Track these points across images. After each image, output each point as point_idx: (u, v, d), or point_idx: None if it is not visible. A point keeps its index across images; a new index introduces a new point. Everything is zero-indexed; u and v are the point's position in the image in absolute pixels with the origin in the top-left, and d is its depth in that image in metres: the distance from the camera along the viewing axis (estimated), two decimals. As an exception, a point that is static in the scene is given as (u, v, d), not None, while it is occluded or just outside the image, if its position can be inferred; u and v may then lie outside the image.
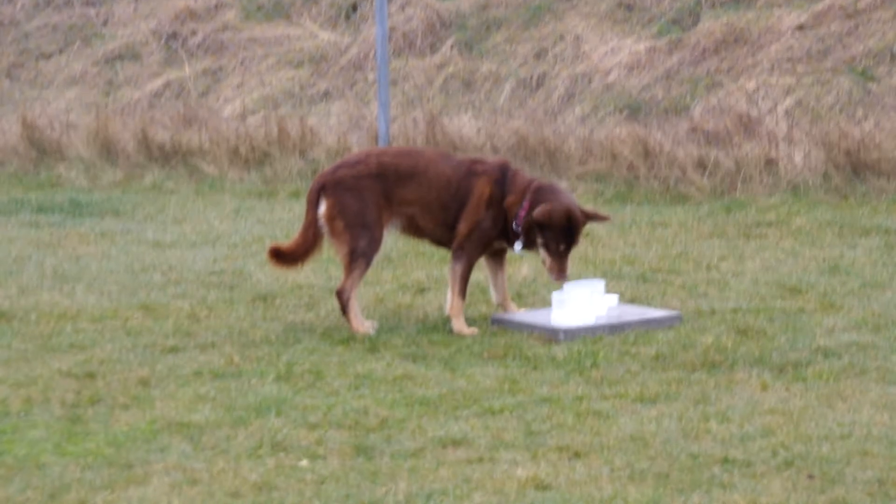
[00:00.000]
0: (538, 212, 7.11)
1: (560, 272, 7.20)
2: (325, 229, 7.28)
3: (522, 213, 7.20)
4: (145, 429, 5.89)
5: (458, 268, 7.28)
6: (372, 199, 7.23)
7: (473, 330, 7.22)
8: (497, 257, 7.50)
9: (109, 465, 5.47)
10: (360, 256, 7.23)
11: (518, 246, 7.29)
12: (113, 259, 9.07)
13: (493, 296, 7.52)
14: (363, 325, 7.25)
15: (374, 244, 7.25)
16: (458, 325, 7.25)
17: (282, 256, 7.35)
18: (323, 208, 7.27)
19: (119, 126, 12.50)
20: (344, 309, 7.25)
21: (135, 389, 6.40)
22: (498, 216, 7.28)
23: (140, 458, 5.55)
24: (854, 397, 6.22)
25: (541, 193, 7.21)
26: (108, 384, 6.47)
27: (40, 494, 5.18)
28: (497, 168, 7.36)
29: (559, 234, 7.14)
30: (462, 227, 7.28)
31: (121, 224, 10.23)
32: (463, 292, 7.27)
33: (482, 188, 7.27)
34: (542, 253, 7.22)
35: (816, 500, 5.10)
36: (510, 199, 7.26)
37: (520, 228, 7.22)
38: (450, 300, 7.29)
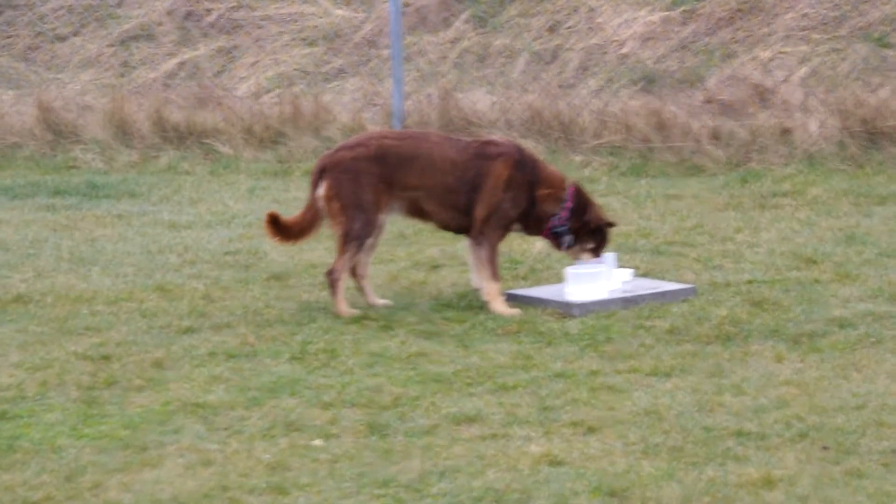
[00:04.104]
0: (608, 221, 7.49)
1: None
2: (323, 210, 7.30)
3: (565, 213, 7.34)
4: (160, 410, 5.91)
5: (484, 253, 7.28)
6: (369, 182, 7.22)
7: (515, 310, 7.19)
8: None
9: (124, 447, 5.50)
10: (353, 239, 7.25)
11: (568, 241, 7.44)
12: (129, 241, 9.09)
13: (474, 280, 7.48)
14: (346, 308, 7.24)
15: (369, 227, 7.26)
16: (499, 307, 7.22)
17: (279, 227, 7.36)
18: (322, 189, 7.29)
19: (134, 107, 12.50)
20: (332, 289, 7.26)
21: (150, 371, 6.43)
22: (518, 198, 7.29)
23: (154, 439, 5.57)
24: (869, 368, 6.20)
25: (582, 196, 7.46)
26: (123, 366, 6.50)
27: (56, 478, 5.22)
28: (515, 150, 7.37)
29: (606, 240, 7.51)
30: (479, 211, 7.27)
31: (136, 206, 10.26)
32: (495, 275, 7.28)
33: (500, 170, 7.27)
34: (586, 255, 7.46)
35: (831, 472, 5.09)
36: (544, 192, 7.32)
37: (563, 227, 7.36)
38: (485, 286, 7.28)
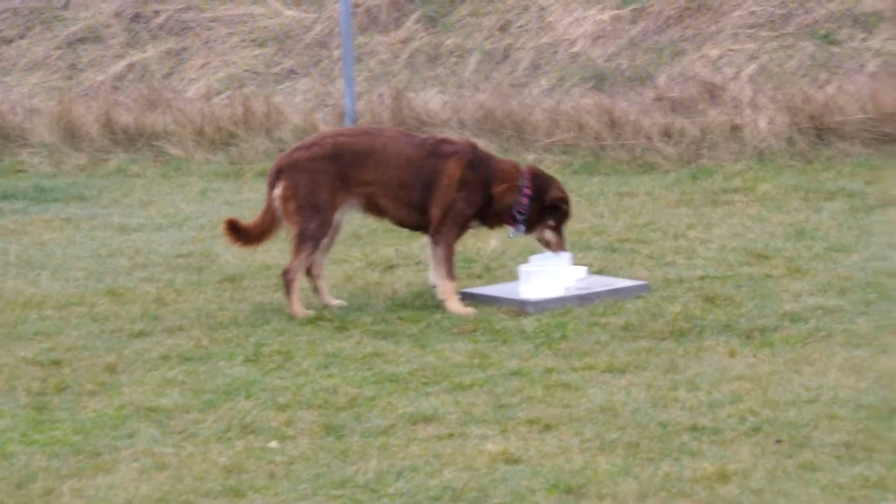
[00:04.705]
0: (561, 196, 7.42)
1: (564, 247, 7.56)
2: (279, 210, 7.29)
3: (525, 200, 7.33)
4: (113, 415, 5.87)
5: (440, 251, 7.29)
6: (325, 182, 7.23)
7: (470, 309, 7.19)
8: None
9: (76, 452, 5.45)
10: (308, 239, 7.25)
11: (520, 229, 7.43)
12: (78, 245, 9.02)
13: (431, 277, 7.48)
14: (301, 309, 7.22)
15: (325, 227, 7.26)
16: (454, 306, 7.22)
17: (239, 232, 7.36)
18: (278, 190, 7.29)
19: (82, 110, 12.40)
20: (287, 290, 7.25)
21: (102, 376, 6.37)
22: (472, 197, 7.30)
23: (107, 444, 5.53)
24: (821, 361, 6.25)
25: (538, 178, 7.45)
26: (74, 371, 6.44)
27: (6, 484, 5.16)
28: (469, 149, 7.38)
29: (567, 215, 7.49)
30: (435, 211, 7.28)
31: (86, 209, 10.18)
32: (451, 274, 7.28)
33: (453, 170, 7.28)
34: (550, 234, 7.48)
35: (784, 465, 5.13)
36: (501, 187, 7.32)
37: (524, 214, 7.36)
38: (441, 285, 7.28)
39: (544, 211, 7.42)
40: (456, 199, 7.29)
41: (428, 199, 7.29)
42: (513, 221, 7.42)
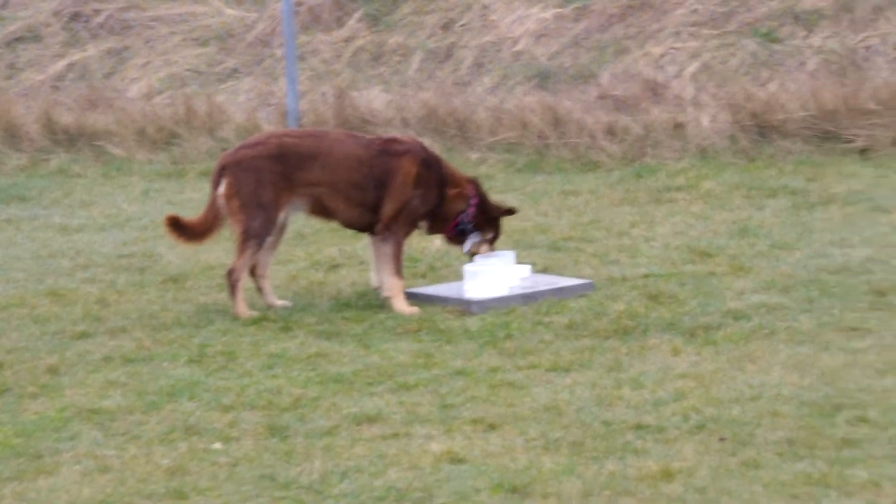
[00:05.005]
0: (507, 208, 7.59)
1: None
2: (223, 209, 7.25)
3: (472, 210, 7.41)
4: (55, 417, 5.81)
5: (389, 248, 7.28)
6: (270, 181, 7.21)
7: (415, 309, 7.18)
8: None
9: (18, 455, 5.40)
10: (252, 237, 7.23)
11: (474, 238, 7.48)
12: (19, 246, 8.93)
13: (374, 279, 7.48)
14: (245, 309, 7.19)
15: (269, 225, 7.24)
16: (399, 304, 7.22)
17: (181, 229, 7.32)
18: (222, 188, 7.26)
19: (22, 110, 12.28)
20: (231, 290, 7.22)
21: (43, 378, 6.31)
22: (427, 195, 7.33)
23: (49, 447, 5.48)
24: (764, 359, 6.29)
25: (481, 191, 7.55)
26: (15, 373, 6.37)
27: (-53, 489, 5.10)
28: (420, 148, 7.41)
29: (500, 229, 7.63)
30: (388, 208, 7.28)
31: (27, 210, 10.08)
32: (399, 272, 7.28)
33: (408, 167, 7.28)
34: (486, 247, 7.55)
35: (728, 463, 5.16)
36: (454, 191, 7.40)
37: (471, 223, 7.43)
38: (387, 282, 7.27)
39: (487, 223, 7.50)
40: (412, 196, 7.30)
41: (380, 197, 7.29)
42: (454, 229, 7.45)
